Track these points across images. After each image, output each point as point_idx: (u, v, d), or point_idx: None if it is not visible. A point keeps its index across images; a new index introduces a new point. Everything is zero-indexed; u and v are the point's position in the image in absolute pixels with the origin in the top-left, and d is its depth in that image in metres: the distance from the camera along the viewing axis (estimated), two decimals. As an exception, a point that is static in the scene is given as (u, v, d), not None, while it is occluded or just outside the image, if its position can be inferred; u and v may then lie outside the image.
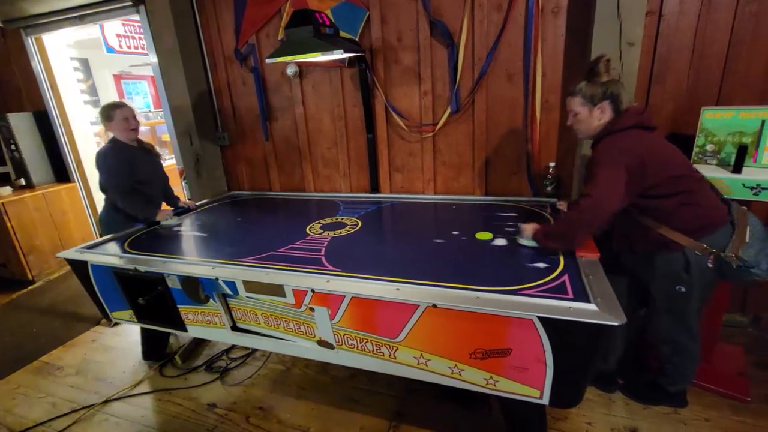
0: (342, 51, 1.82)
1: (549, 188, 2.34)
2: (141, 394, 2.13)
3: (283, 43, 1.97)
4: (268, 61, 1.99)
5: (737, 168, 1.67)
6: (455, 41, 2.32)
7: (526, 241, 1.70)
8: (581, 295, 1.29)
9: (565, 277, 1.42)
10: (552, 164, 2.32)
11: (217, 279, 1.68)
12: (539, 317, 1.22)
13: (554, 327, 1.21)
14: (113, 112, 2.28)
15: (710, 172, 1.71)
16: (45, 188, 3.72)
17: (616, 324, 1.13)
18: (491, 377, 1.39)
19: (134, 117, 2.37)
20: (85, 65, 5.41)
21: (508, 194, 2.50)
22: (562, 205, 2.06)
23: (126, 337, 2.68)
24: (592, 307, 1.20)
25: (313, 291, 1.52)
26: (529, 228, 1.69)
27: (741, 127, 1.72)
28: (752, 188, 1.62)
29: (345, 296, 1.48)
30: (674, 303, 1.56)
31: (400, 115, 2.58)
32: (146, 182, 2.41)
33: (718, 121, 1.76)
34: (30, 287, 3.45)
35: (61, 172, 3.96)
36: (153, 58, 2.99)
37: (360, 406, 1.94)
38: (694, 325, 1.60)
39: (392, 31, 2.45)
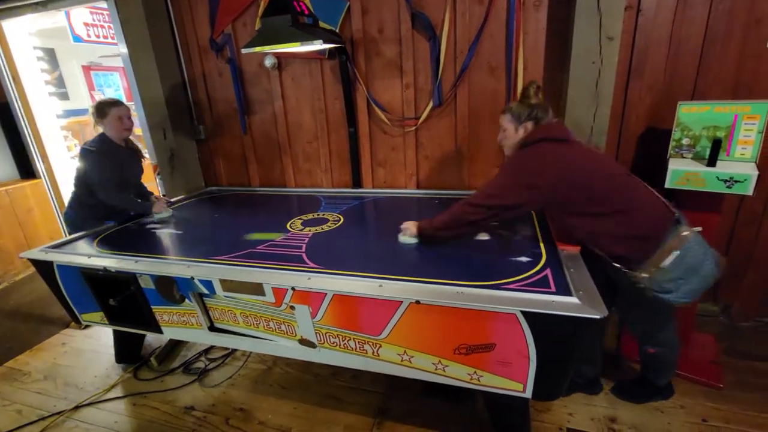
0: (321, 41, 1.76)
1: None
2: (114, 399, 2.05)
3: (260, 33, 1.90)
4: (243, 50, 1.91)
5: (712, 161, 1.70)
6: (437, 34, 2.29)
7: (407, 239, 1.76)
8: (563, 289, 1.29)
9: (548, 271, 1.43)
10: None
11: (192, 278, 1.61)
12: (522, 311, 1.21)
13: (537, 321, 1.21)
14: (108, 110, 2.20)
15: (686, 165, 1.74)
16: (8, 185, 3.52)
17: (598, 317, 1.13)
18: (475, 372, 1.39)
19: (129, 117, 2.28)
20: (51, 55, 5.13)
21: (491, 188, 2.50)
22: None
23: (98, 339, 2.57)
24: (574, 300, 1.21)
25: (293, 289, 1.47)
26: (411, 225, 1.76)
27: (715, 122, 1.75)
28: (725, 181, 1.66)
29: (326, 294, 1.44)
30: (647, 303, 1.52)
31: (382, 108, 2.54)
32: (126, 180, 2.32)
33: (694, 116, 1.79)
34: (-7, 289, 3.27)
35: (25, 168, 3.76)
36: (123, 49, 2.84)
37: (343, 404, 1.91)
38: (671, 318, 1.62)
39: (373, 23, 2.40)
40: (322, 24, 2.31)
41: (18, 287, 3.28)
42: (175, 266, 1.67)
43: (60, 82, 5.32)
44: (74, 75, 5.39)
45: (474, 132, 2.44)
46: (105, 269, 1.75)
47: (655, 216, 1.44)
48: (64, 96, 5.35)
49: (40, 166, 3.75)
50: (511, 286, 1.33)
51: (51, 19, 3.91)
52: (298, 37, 1.78)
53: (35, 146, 3.70)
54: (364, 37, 2.44)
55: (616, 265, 1.47)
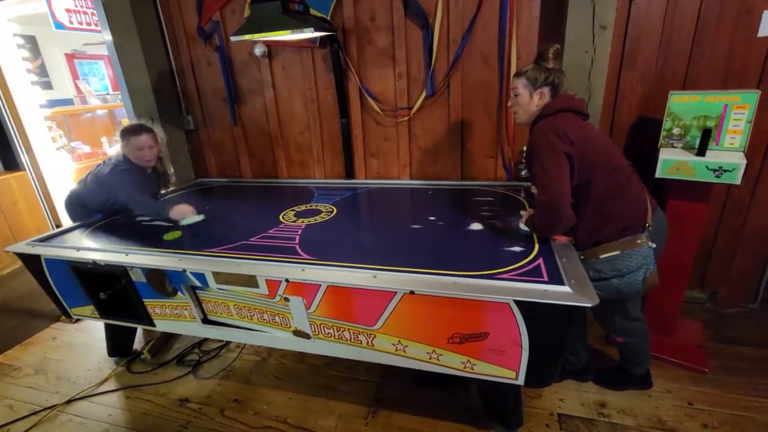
0: (312, 29, 1.73)
1: (524, 172, 2.36)
2: (107, 392, 2.04)
3: (249, 20, 1.86)
4: (232, 38, 1.87)
5: (701, 151, 1.72)
6: (430, 22, 2.26)
7: (523, 227, 1.70)
8: (556, 278, 1.30)
9: (540, 261, 1.44)
10: (526, 148, 2.33)
11: (184, 271, 1.60)
12: (515, 300, 1.22)
13: (530, 310, 1.22)
14: (129, 137, 2.13)
15: (676, 155, 1.76)
16: (-9, 177, 3.43)
17: (589, 305, 1.15)
18: (468, 361, 1.40)
19: (150, 147, 2.17)
20: (32, 43, 4.96)
21: (484, 178, 2.51)
22: (535, 189, 2.08)
23: (90, 333, 2.54)
24: (566, 289, 1.22)
25: (287, 280, 1.47)
26: (525, 215, 1.70)
27: (706, 111, 1.77)
28: (714, 171, 1.68)
29: (321, 285, 1.44)
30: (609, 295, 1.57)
31: (374, 98, 2.51)
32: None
33: (685, 105, 1.80)
34: (-21, 284, 3.21)
35: (9, 160, 3.66)
36: (107, 36, 2.76)
37: (338, 393, 1.93)
38: (634, 310, 1.65)
39: (365, 10, 2.36)
40: (312, 11, 2.27)
41: (5, 282, 3.22)
42: (167, 259, 1.65)
43: (42, 71, 5.16)
44: (57, 63, 5.23)
45: (467, 122, 2.43)
46: (94, 263, 1.72)
47: (636, 213, 1.49)
48: (48, 85, 5.18)
49: (24, 158, 3.66)
50: (505, 276, 1.34)
51: (31, 5, 3.78)
52: (288, 24, 1.74)
53: (18, 137, 3.61)
54: (356, 25, 2.40)
55: (568, 237, 1.54)
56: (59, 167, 3.94)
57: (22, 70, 3.62)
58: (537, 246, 1.54)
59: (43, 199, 3.72)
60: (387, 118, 2.56)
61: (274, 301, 1.56)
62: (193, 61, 2.85)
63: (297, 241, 1.76)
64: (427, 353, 1.44)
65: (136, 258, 1.69)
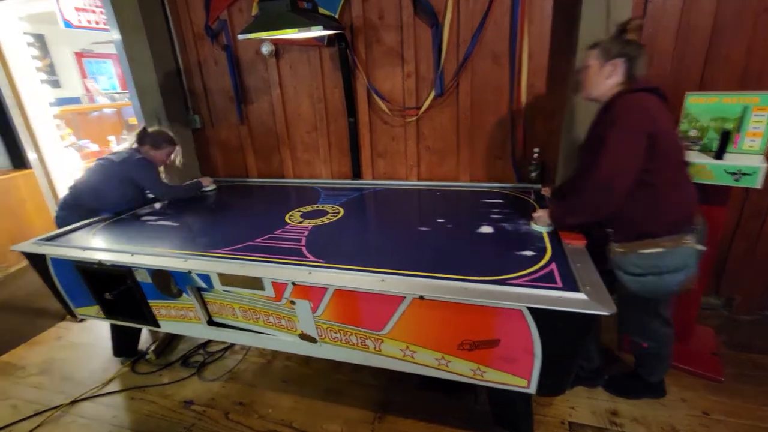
0: (321, 27, 1.70)
1: (533, 174, 2.32)
2: (112, 393, 2.02)
3: (257, 18, 1.83)
4: (240, 37, 1.84)
5: (720, 154, 1.67)
6: (440, 20, 2.23)
7: (541, 227, 1.66)
8: (570, 284, 1.26)
9: (553, 266, 1.40)
10: (537, 150, 2.29)
11: (190, 272, 1.57)
12: (528, 308, 1.18)
13: (543, 317, 1.19)
14: (165, 146, 2.33)
15: (693, 158, 1.71)
16: (-1, 175, 3.45)
17: (606, 313, 1.11)
18: (479, 368, 1.37)
19: (172, 158, 2.43)
20: (41, 42, 4.99)
21: (493, 180, 2.47)
22: (546, 192, 2.04)
23: (95, 332, 2.54)
24: (581, 296, 1.18)
25: (293, 283, 1.44)
26: (543, 213, 1.64)
27: (723, 113, 1.72)
28: (733, 174, 1.63)
29: (327, 289, 1.41)
30: (632, 296, 1.52)
31: (382, 98, 2.48)
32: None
33: (702, 107, 1.75)
34: (-13, 281, 3.22)
35: (17, 158, 3.68)
36: (115, 35, 2.75)
37: (344, 397, 1.90)
38: (657, 311, 1.59)
39: (374, 9, 2.33)
40: (320, 9, 2.24)
41: (11, 280, 3.23)
42: (173, 260, 1.63)
43: (51, 70, 5.19)
44: (66, 62, 5.25)
45: (477, 122, 2.39)
46: (100, 263, 1.70)
47: (687, 211, 1.43)
48: (56, 84, 5.22)
49: (32, 156, 3.67)
50: (517, 282, 1.31)
51: (40, 3, 3.79)
52: (296, 22, 1.72)
53: (27, 135, 3.62)
54: (365, 23, 2.37)
55: (608, 230, 1.49)
56: (67, 165, 3.94)
57: (31, 69, 3.63)
58: (550, 250, 1.50)
59: (52, 199, 3.73)
60: (395, 118, 2.53)
61: (280, 304, 1.54)
62: (201, 59, 2.84)
63: (303, 243, 1.73)
64: (436, 360, 1.41)
65: (142, 259, 1.67)
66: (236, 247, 1.72)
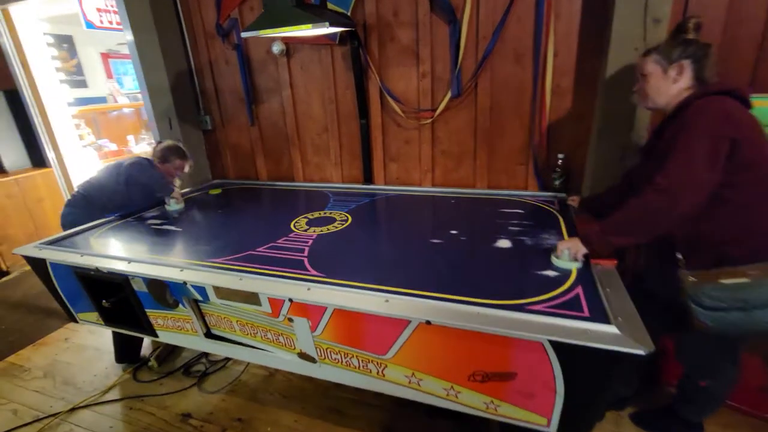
0: (327, 24, 1.59)
1: (557, 182, 2.14)
2: (111, 402, 1.97)
3: (261, 15, 1.74)
4: (243, 35, 1.75)
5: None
6: (458, 17, 2.08)
7: (567, 263, 1.35)
8: (599, 314, 1.11)
9: (579, 290, 1.24)
10: (561, 156, 2.12)
11: (185, 283, 1.49)
12: (550, 341, 1.04)
13: (567, 352, 1.04)
14: (174, 159, 2.33)
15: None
16: (18, 174, 3.50)
17: (642, 353, 0.95)
18: (492, 401, 1.23)
19: (182, 172, 2.42)
20: (69, 42, 5.09)
21: (513, 188, 2.30)
22: (574, 201, 1.87)
23: (101, 335, 2.51)
24: (612, 329, 1.02)
25: (291, 300, 1.33)
26: (573, 244, 1.34)
27: (780, 118, 1.51)
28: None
29: (327, 307, 1.29)
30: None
31: (395, 99, 2.35)
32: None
33: (756, 111, 1.55)
34: (3, 279, 3.27)
35: (37, 157, 3.74)
36: (128, 35, 2.72)
37: (346, 418, 1.79)
38: (735, 348, 1.39)
39: (388, 5, 2.21)
40: (331, 6, 2.14)
41: (26, 278, 3.28)
42: (168, 270, 1.55)
43: (79, 70, 5.29)
44: (93, 62, 5.35)
45: (496, 126, 2.24)
46: (97, 269, 1.64)
47: None
48: (83, 84, 5.32)
49: (50, 155, 3.72)
50: (537, 307, 1.16)
51: (62, 5, 3.84)
52: (302, 18, 1.61)
53: (46, 134, 3.67)
54: (378, 21, 2.25)
55: (678, 256, 1.27)
56: (85, 164, 3.99)
57: (50, 69, 3.67)
58: (575, 271, 1.34)
59: (68, 196, 3.77)
60: (409, 120, 2.40)
61: (278, 321, 1.44)
62: (212, 59, 2.78)
63: (306, 254, 1.63)
64: (444, 389, 1.28)
65: (138, 267, 1.60)
66: (236, 256, 1.63)
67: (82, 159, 3.97)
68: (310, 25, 1.60)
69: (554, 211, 1.92)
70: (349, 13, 2.24)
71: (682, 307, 1.32)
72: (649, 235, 1.25)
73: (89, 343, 2.46)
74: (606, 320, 1.06)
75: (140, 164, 2.29)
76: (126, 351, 2.20)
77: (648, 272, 1.55)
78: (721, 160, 1.14)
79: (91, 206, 2.21)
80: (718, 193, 1.17)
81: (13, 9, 3.25)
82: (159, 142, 2.47)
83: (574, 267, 1.34)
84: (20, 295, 3.03)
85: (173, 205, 2.31)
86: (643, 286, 1.47)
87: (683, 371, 1.54)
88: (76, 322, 2.01)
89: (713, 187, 1.15)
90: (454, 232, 1.76)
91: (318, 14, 1.66)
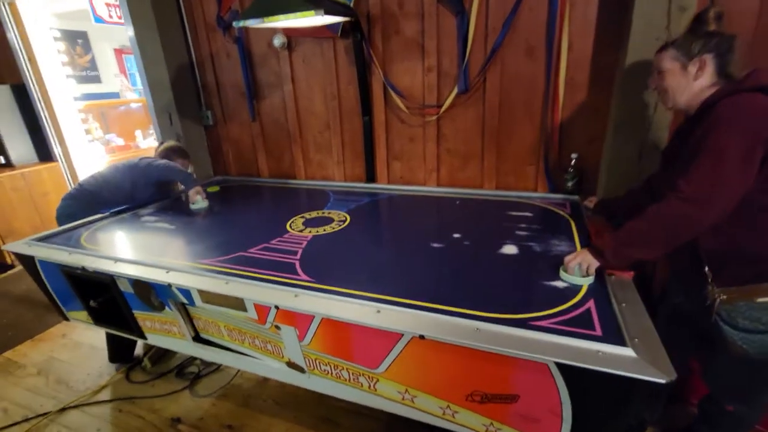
0: (323, 12, 1.49)
1: (569, 184, 2.01)
2: (101, 402, 1.93)
3: (254, 2, 1.65)
4: (235, 24, 1.67)
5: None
6: (466, 7, 1.97)
7: (577, 279, 1.22)
8: (612, 332, 0.99)
9: (591, 304, 1.12)
10: (575, 155, 1.99)
11: (170, 285, 1.42)
12: (557, 363, 0.93)
13: (576, 376, 0.92)
14: (175, 158, 2.35)
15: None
16: (25, 167, 3.51)
17: (663, 381, 0.83)
18: (492, 424, 1.12)
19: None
20: (84, 38, 5.10)
21: (522, 189, 2.18)
22: (591, 202, 1.74)
23: (98, 332, 2.44)
24: (628, 352, 0.91)
25: (277, 308, 1.25)
26: (584, 257, 1.21)
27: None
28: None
29: (315, 316, 1.21)
30: (742, 352, 1.17)
31: (400, 94, 2.25)
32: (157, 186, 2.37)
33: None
34: (8, 272, 3.28)
35: (44, 151, 3.74)
36: (129, 31, 2.67)
37: (340, 429, 1.70)
38: None
39: (393, -5, 2.10)
40: (333, -4, 2.03)
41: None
42: (154, 271, 1.48)
43: (93, 65, 5.32)
44: (106, 58, 5.36)
45: (505, 123, 2.11)
46: (83, 268, 1.59)
47: None
48: (96, 79, 5.34)
49: (57, 149, 3.73)
50: (543, 323, 1.05)
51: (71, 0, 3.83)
52: (296, 6, 1.52)
53: (52, 128, 3.67)
54: (383, 12, 2.14)
55: (706, 270, 1.14)
56: (91, 159, 3.98)
57: (57, 64, 3.66)
58: (586, 283, 1.22)
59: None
60: (413, 117, 2.29)
61: (265, 327, 1.35)
62: (213, 52, 2.71)
63: (298, 256, 1.54)
64: (441, 408, 1.17)
65: (123, 267, 1.53)
66: (226, 257, 1.56)
67: (88, 153, 3.98)
68: (305, 13, 1.50)
69: (566, 215, 1.80)
70: (351, 4, 2.14)
71: (710, 326, 1.19)
72: (669, 247, 1.12)
73: (86, 340, 2.43)
74: (621, 341, 0.95)
75: (166, 160, 2.30)
76: (119, 350, 2.16)
77: (671, 285, 1.42)
78: (756, 163, 1.01)
79: (89, 201, 2.17)
80: (754, 200, 1.04)
81: (20, 3, 3.24)
82: (161, 143, 2.45)
83: (585, 283, 1.22)
84: (23, 289, 3.03)
85: (200, 202, 2.22)
86: (666, 301, 1.34)
87: (709, 392, 1.41)
88: (67, 320, 1.97)
89: (745, 190, 1.02)
90: (457, 235, 1.66)
91: (314, 2, 1.56)
